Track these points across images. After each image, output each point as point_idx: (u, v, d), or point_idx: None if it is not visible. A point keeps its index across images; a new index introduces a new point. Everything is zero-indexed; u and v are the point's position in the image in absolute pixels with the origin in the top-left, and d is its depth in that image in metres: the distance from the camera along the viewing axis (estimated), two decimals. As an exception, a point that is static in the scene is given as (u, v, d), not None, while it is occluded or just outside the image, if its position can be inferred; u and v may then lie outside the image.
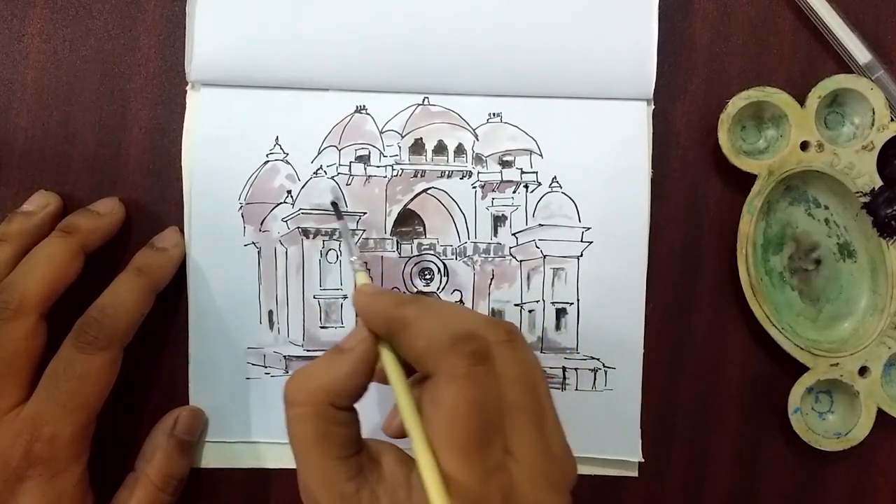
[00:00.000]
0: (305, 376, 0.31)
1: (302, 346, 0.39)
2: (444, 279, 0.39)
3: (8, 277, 0.34)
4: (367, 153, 0.39)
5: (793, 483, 0.41)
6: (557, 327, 0.39)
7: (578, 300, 0.39)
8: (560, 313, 0.39)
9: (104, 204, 0.38)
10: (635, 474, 0.40)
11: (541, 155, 0.39)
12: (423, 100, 0.39)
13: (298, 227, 0.39)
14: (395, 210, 0.39)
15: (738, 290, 0.39)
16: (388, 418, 0.33)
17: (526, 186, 0.39)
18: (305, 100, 0.39)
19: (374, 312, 0.31)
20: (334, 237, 0.39)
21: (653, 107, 0.39)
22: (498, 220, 0.39)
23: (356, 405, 0.31)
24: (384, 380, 0.31)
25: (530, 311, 0.39)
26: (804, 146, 0.38)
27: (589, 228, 0.39)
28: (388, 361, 0.31)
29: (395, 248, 0.39)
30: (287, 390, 0.31)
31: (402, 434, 0.30)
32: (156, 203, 0.39)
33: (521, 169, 0.39)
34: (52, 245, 0.35)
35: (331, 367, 0.31)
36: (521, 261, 0.39)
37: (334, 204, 0.38)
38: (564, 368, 0.39)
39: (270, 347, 0.39)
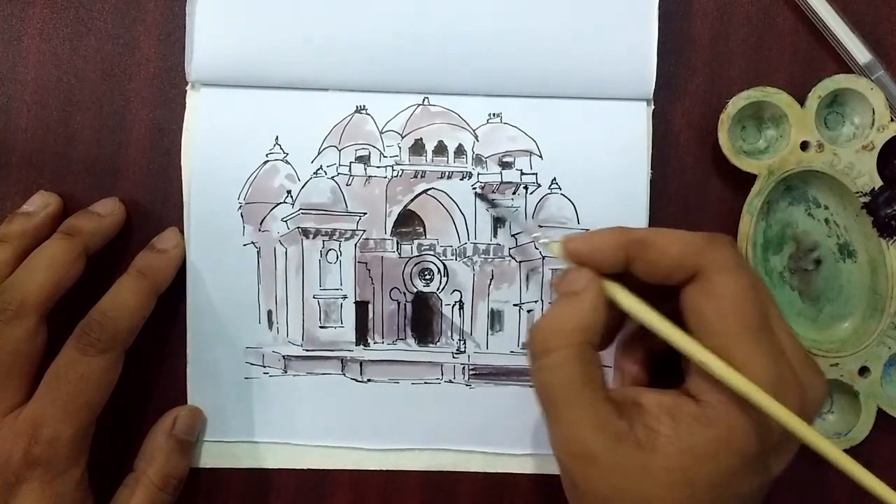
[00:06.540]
0: (550, 323, 0.31)
1: (301, 345, 0.39)
2: (444, 279, 0.39)
3: (9, 279, 0.34)
4: (367, 153, 0.39)
5: (793, 483, 0.41)
6: (557, 327, 0.39)
7: (578, 300, 0.39)
8: (560, 313, 0.39)
9: (105, 205, 0.38)
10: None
11: (540, 156, 0.39)
12: (423, 100, 0.39)
13: (298, 227, 0.39)
14: (396, 210, 0.39)
15: (738, 290, 0.39)
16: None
17: (525, 188, 0.39)
18: (305, 100, 0.39)
19: (603, 247, 0.31)
20: (334, 237, 0.39)
21: (653, 107, 0.39)
22: (497, 222, 0.39)
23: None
24: None
25: (529, 311, 0.39)
26: (804, 146, 0.38)
27: (588, 230, 0.39)
28: (618, 290, 0.31)
29: (395, 249, 0.39)
30: (536, 340, 0.30)
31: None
32: (156, 203, 0.39)
33: (521, 170, 0.39)
34: (53, 247, 0.35)
35: (574, 309, 0.30)
36: (520, 261, 0.39)
37: (481, 196, 0.39)
38: (564, 368, 0.39)
39: (269, 347, 0.39)
